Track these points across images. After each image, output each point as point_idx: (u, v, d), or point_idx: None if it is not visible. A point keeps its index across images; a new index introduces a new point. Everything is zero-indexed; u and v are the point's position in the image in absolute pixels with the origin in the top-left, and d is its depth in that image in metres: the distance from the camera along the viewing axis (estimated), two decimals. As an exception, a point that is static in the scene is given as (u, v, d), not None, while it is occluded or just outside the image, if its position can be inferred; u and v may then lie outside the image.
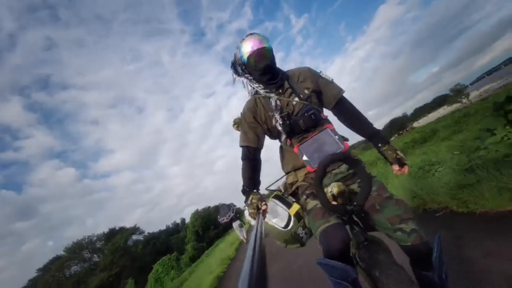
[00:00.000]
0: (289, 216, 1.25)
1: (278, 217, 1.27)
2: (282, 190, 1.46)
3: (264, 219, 1.27)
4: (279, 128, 1.32)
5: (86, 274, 38.86)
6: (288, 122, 1.29)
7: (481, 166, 2.19)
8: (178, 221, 55.46)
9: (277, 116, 1.32)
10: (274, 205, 1.30)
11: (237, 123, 1.57)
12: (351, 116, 1.35)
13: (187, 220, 44.55)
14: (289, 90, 1.36)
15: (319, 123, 1.32)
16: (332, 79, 1.40)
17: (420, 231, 1.03)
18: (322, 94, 1.40)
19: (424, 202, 2.84)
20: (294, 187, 1.38)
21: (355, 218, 1.16)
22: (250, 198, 1.26)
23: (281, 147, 1.49)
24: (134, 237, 45.00)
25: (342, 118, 1.39)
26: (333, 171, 1.26)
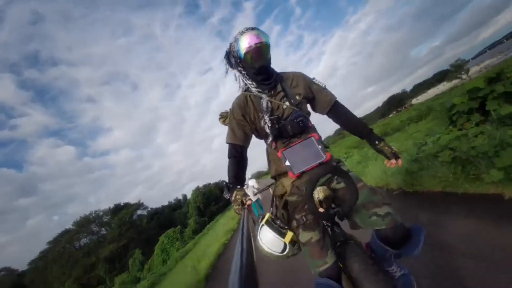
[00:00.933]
0: (285, 244, 1.25)
1: (273, 244, 1.26)
2: (271, 209, 1.43)
3: (250, 213, 1.35)
4: (267, 130, 1.32)
5: (95, 246, 41.29)
6: (276, 126, 1.29)
7: (424, 158, 2.82)
8: (180, 197, 57.66)
9: (266, 118, 1.31)
10: (267, 232, 1.28)
11: (224, 117, 1.53)
12: (345, 120, 1.42)
13: (189, 196, 46.41)
14: (281, 93, 1.36)
15: (305, 130, 1.32)
16: (325, 86, 1.43)
17: (395, 215, 1.07)
18: (315, 100, 1.43)
19: (387, 183, 3.56)
20: (284, 198, 1.37)
21: (337, 220, 1.22)
22: (234, 195, 1.26)
23: (267, 149, 1.48)
24: (139, 212, 47.10)
25: (336, 121, 1.46)
26: None
